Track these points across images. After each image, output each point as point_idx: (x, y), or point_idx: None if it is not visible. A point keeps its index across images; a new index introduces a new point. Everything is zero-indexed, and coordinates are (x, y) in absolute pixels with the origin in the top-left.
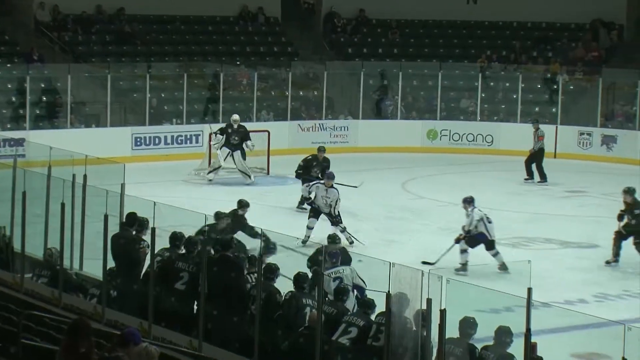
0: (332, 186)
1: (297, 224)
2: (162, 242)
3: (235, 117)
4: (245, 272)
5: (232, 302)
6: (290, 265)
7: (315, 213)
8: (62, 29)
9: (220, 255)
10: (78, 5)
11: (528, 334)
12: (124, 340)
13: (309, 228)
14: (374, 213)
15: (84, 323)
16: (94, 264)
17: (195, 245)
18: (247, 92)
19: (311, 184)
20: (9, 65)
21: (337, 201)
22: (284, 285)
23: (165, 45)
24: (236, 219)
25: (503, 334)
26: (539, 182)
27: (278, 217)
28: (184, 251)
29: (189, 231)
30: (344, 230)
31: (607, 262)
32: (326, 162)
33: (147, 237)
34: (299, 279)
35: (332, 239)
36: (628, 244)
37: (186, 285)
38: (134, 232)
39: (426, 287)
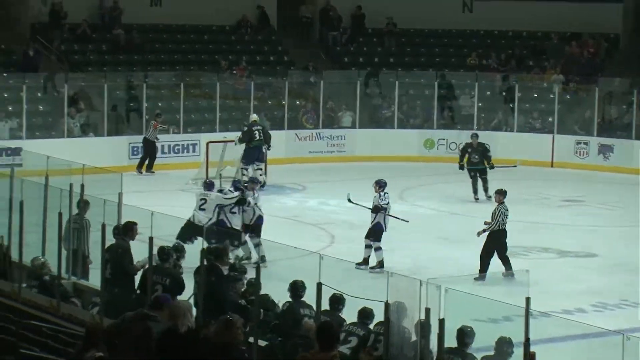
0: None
1: (295, 232)
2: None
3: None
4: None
5: (211, 308)
6: (285, 274)
7: None
8: (57, 38)
9: (210, 264)
10: (75, 14)
11: (527, 343)
12: (158, 303)
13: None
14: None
15: (94, 328)
16: (92, 273)
17: (169, 255)
18: (243, 101)
19: None
20: (5, 74)
21: None
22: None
23: (162, 55)
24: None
25: (504, 344)
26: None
27: (275, 226)
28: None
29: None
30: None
31: None
32: None
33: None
34: (296, 287)
35: None
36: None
37: None
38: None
39: (424, 296)
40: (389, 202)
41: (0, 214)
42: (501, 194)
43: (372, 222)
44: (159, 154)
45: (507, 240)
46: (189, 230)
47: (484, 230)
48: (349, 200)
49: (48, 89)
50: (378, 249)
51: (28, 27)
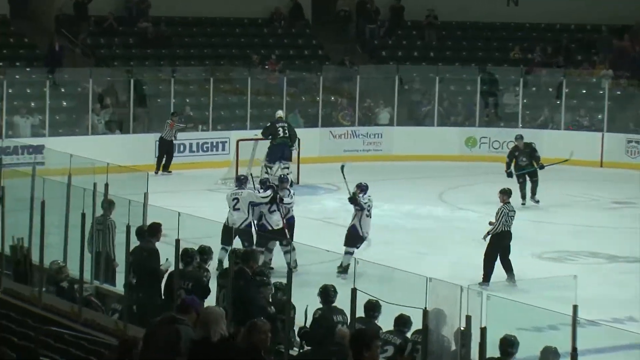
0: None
1: (328, 235)
2: None
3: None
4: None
5: (239, 313)
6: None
7: None
8: (83, 31)
9: (238, 268)
10: (101, 7)
11: (574, 354)
12: (184, 306)
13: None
14: (409, 225)
15: (128, 339)
16: (119, 277)
17: (192, 258)
18: (275, 97)
19: None
20: (28, 69)
21: None
22: None
23: (191, 49)
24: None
25: (550, 355)
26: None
27: (308, 228)
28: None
29: (214, 242)
30: None
31: None
32: None
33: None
34: (327, 292)
35: None
36: None
37: None
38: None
39: (465, 303)
40: (367, 202)
41: (21, 215)
42: (505, 193)
43: (350, 223)
44: (185, 152)
45: (511, 243)
46: (228, 234)
47: (488, 233)
48: (342, 170)
49: (50, 84)
50: (347, 253)
51: (52, 19)
